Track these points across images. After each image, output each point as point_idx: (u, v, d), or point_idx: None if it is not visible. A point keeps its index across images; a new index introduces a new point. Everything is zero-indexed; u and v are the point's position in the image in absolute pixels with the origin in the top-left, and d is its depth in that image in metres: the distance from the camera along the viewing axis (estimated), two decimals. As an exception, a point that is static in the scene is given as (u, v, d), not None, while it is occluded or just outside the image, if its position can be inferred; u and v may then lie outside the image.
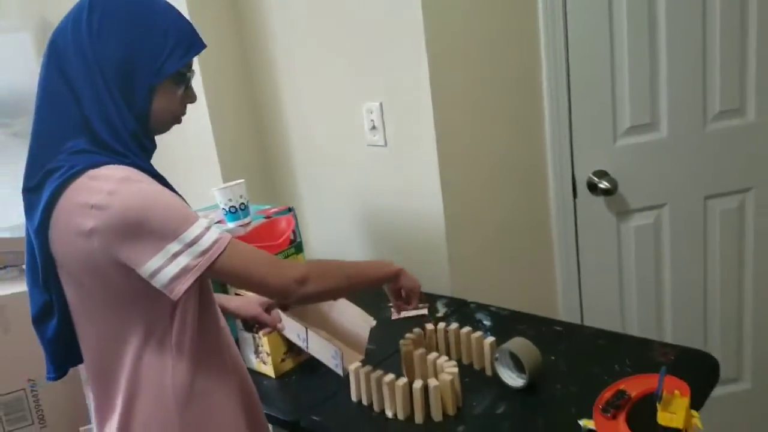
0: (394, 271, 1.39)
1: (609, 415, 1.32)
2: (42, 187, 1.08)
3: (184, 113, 1.21)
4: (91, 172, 1.05)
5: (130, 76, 1.09)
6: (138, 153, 1.11)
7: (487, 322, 1.84)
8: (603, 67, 1.97)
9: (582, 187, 2.05)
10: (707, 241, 2.16)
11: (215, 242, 1.07)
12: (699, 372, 1.50)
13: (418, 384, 1.43)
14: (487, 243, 2.03)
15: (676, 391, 1.27)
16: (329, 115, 2.17)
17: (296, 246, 1.74)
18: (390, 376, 1.46)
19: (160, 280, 1.05)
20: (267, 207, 1.92)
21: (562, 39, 1.92)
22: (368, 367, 1.51)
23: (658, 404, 1.23)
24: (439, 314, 1.93)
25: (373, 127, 2.03)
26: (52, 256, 1.12)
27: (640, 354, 1.57)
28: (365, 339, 1.58)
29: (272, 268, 1.15)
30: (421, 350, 1.56)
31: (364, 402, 1.53)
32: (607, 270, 2.13)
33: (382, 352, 1.72)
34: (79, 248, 1.06)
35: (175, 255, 1.04)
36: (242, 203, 1.76)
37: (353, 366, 1.53)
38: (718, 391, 2.31)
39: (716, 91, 2.04)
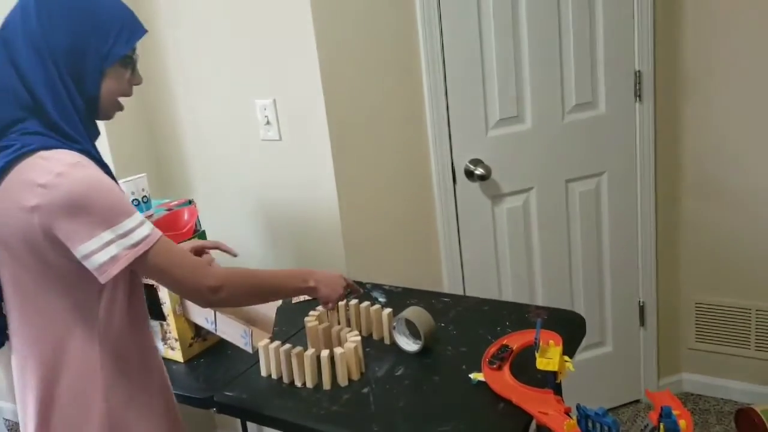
0: (310, 288, 1.50)
1: (495, 366, 1.50)
2: None
3: (130, 94, 1.27)
4: (44, 153, 1.11)
5: (80, 62, 1.16)
6: (87, 139, 1.18)
7: (382, 299, 1.99)
8: (474, 67, 2.19)
9: (460, 175, 2.25)
10: (569, 219, 2.43)
11: (145, 237, 1.14)
12: (569, 327, 1.72)
13: (325, 353, 1.56)
14: (379, 228, 2.19)
15: (551, 341, 1.47)
16: (223, 111, 2.24)
17: (200, 235, 1.82)
18: (298, 348, 1.58)
19: (91, 263, 1.12)
20: (167, 200, 1.98)
21: (438, 42, 2.12)
22: (276, 343, 1.62)
23: (536, 352, 1.43)
24: (337, 296, 2.06)
25: (267, 123, 2.14)
26: None
27: (519, 316, 1.78)
28: (272, 318, 1.67)
29: (191, 272, 1.22)
30: (324, 324, 1.69)
31: (274, 376, 1.63)
32: (484, 248, 2.35)
33: (288, 331, 1.83)
34: (19, 222, 1.11)
35: (108, 243, 1.10)
36: (144, 196, 1.82)
37: (262, 342, 1.63)
38: (585, 354, 2.61)
39: (572, 87, 2.31)
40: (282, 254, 2.32)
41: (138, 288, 1.31)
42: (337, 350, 1.57)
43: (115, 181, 1.20)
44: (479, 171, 2.22)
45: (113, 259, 1.11)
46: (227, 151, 2.29)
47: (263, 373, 1.65)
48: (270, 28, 2.05)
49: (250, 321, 1.69)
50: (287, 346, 1.61)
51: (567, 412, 1.36)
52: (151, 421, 1.31)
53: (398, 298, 1.98)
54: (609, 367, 2.64)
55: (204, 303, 1.31)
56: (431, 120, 2.16)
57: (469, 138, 2.23)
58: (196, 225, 1.86)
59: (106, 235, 1.10)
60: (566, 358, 1.45)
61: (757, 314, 2.54)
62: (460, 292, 2.34)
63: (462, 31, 2.15)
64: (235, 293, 1.31)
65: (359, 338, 1.60)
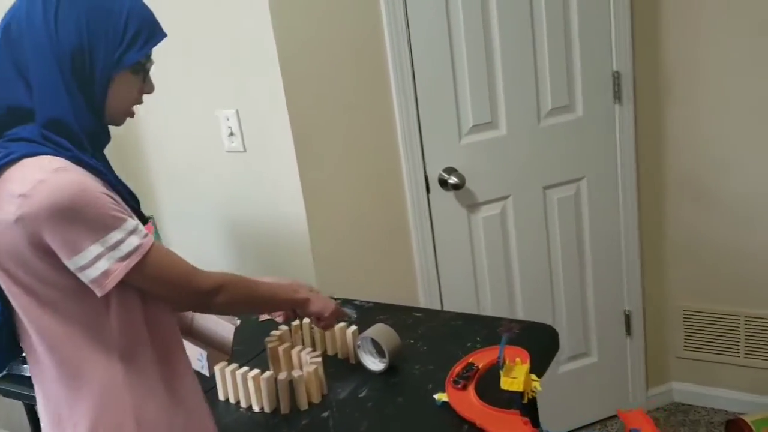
0: (301, 299, 1.43)
1: (460, 386, 1.43)
2: None
3: (140, 103, 1.19)
4: (26, 161, 1.02)
5: (88, 66, 1.06)
6: (85, 147, 1.08)
7: (354, 316, 1.91)
8: (445, 72, 2.12)
9: (434, 184, 2.18)
10: (548, 227, 2.36)
11: (136, 248, 1.05)
12: (541, 341, 1.64)
13: (282, 376, 1.49)
14: (349, 241, 2.11)
15: (517, 359, 1.39)
16: (187, 122, 2.18)
17: (157, 253, 1.75)
18: (255, 372, 1.51)
19: (85, 277, 1.04)
20: (125, 218, 1.90)
21: (406, 48, 2.04)
22: (234, 365, 1.55)
23: (501, 371, 1.35)
24: (305, 312, 1.98)
25: (231, 134, 2.07)
26: None
27: (490, 330, 1.70)
28: (230, 340, 1.60)
29: (188, 276, 1.15)
30: (285, 345, 1.61)
31: (232, 400, 1.56)
32: (461, 259, 2.27)
33: (252, 351, 1.76)
34: (6, 239, 1.03)
35: (97, 257, 1.02)
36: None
37: (219, 366, 1.55)
38: (569, 365, 2.53)
39: (547, 90, 2.24)
40: (251, 271, 2.24)
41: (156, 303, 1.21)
42: (296, 372, 1.49)
43: (123, 189, 1.13)
44: (453, 180, 2.15)
45: (105, 274, 1.03)
46: (193, 164, 2.22)
47: (221, 397, 1.58)
48: (230, 35, 1.98)
49: (209, 343, 1.62)
50: (244, 369, 1.53)
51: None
52: None
53: (369, 313, 1.91)
54: (595, 377, 2.56)
55: (203, 307, 1.24)
56: (401, 128, 2.09)
57: (442, 146, 2.16)
58: (154, 242, 1.79)
59: (95, 249, 1.02)
60: (533, 376, 1.37)
61: (746, 321, 2.46)
62: (437, 306, 2.26)
63: (430, 36, 2.08)
64: (233, 297, 1.22)
65: (320, 359, 1.53)
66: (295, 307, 1.46)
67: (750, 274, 2.41)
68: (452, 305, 2.27)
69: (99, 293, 1.04)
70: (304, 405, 1.49)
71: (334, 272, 2.10)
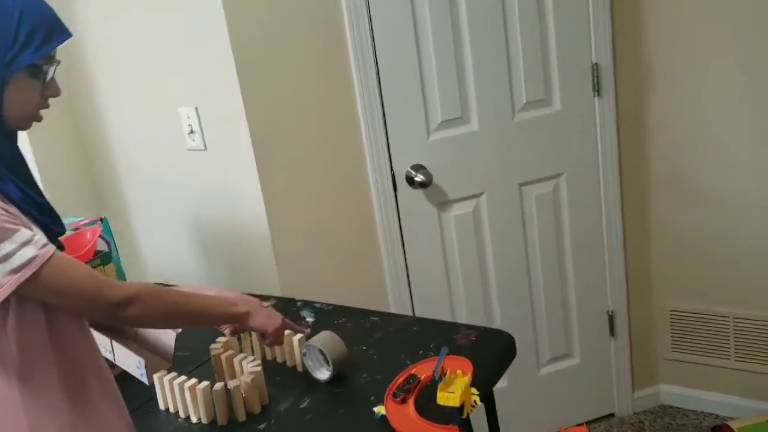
0: (241, 313, 1.37)
1: (399, 399, 1.36)
2: None
3: (45, 107, 1.11)
4: None
5: None
6: None
7: (310, 319, 1.86)
8: (411, 66, 2.03)
9: (401, 181, 2.10)
10: (526, 225, 2.27)
11: (30, 260, 1.00)
12: (497, 349, 1.57)
13: (218, 386, 1.43)
14: (313, 241, 2.05)
15: (459, 371, 1.32)
16: (149, 121, 2.13)
17: (102, 257, 1.70)
18: (192, 381, 1.46)
19: None
20: (80, 219, 1.86)
21: (369, 41, 1.96)
22: (172, 374, 1.50)
23: (439, 384, 1.28)
24: (265, 315, 1.93)
25: (192, 132, 2.01)
26: None
27: (446, 338, 1.64)
28: (171, 347, 1.55)
29: (93, 288, 1.08)
30: (229, 353, 1.56)
31: (171, 409, 1.51)
32: (433, 259, 2.20)
33: (201, 357, 1.71)
34: None
35: None
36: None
37: (157, 375, 1.51)
38: (551, 367, 2.46)
39: (521, 83, 2.15)
40: (217, 272, 2.19)
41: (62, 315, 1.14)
42: (232, 383, 1.44)
43: (26, 200, 1.07)
44: (420, 177, 2.07)
45: None
46: (156, 164, 2.17)
47: (161, 406, 1.53)
48: (187, 30, 1.92)
49: (152, 350, 1.57)
50: (182, 378, 1.48)
51: (472, 453, 1.22)
52: None
53: (328, 317, 1.85)
54: (578, 379, 2.48)
55: (115, 320, 1.18)
56: (365, 125, 2.01)
57: (409, 142, 2.08)
58: (106, 245, 1.74)
59: None
60: (473, 390, 1.30)
61: (735, 322, 2.36)
62: (408, 308, 2.19)
63: (394, 27, 1.99)
64: (148, 311, 1.16)
65: (259, 369, 1.47)
66: (232, 322, 1.41)
67: (739, 273, 2.31)
68: (424, 308, 2.20)
69: None
70: (242, 416, 1.44)
71: (297, 274, 2.04)
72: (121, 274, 1.94)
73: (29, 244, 1.01)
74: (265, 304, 1.51)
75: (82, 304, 1.09)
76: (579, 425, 1.29)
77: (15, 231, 1.00)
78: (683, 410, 2.53)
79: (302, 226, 2.03)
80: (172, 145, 2.08)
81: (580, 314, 2.42)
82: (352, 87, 1.99)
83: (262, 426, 1.41)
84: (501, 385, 2.37)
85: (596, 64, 2.19)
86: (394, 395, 1.37)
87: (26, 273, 0.99)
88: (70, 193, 2.29)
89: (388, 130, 2.05)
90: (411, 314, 2.20)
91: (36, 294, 1.03)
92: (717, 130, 2.22)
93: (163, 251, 2.30)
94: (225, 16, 1.81)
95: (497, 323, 2.31)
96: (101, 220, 1.82)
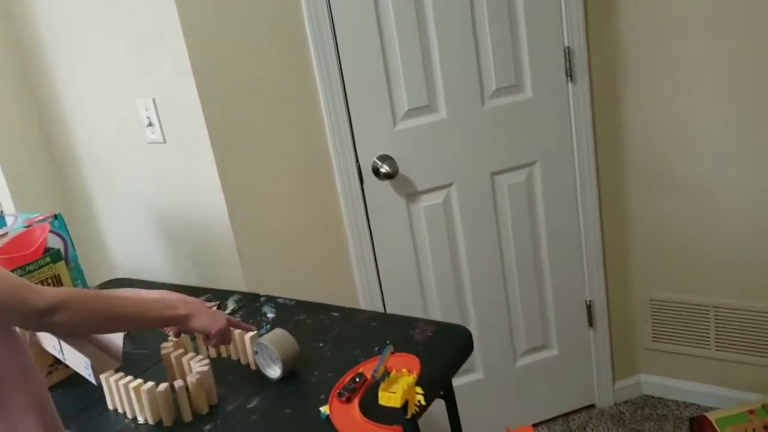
0: (180, 316, 1.33)
1: (344, 398, 1.32)
2: None
3: None
4: None
5: None
6: None
7: (271, 315, 1.82)
8: (374, 54, 1.98)
9: (368, 173, 2.06)
10: (498, 215, 2.22)
11: None
12: (453, 343, 1.53)
13: (162, 386, 1.40)
14: (278, 237, 2.01)
15: (404, 369, 1.28)
16: (108, 114, 2.09)
17: (53, 255, 1.66)
18: (137, 382, 1.42)
19: None
20: (35, 215, 1.82)
21: (329, 26, 1.91)
22: (119, 375, 1.47)
23: (381, 384, 1.24)
24: (227, 311, 1.90)
25: (150, 124, 1.97)
26: None
27: (403, 333, 1.60)
28: (120, 345, 1.52)
29: (13, 294, 1.04)
30: (179, 352, 1.52)
31: (119, 410, 1.48)
32: (402, 252, 2.15)
33: (155, 357, 1.68)
34: None
35: None
36: (-5, 214, 1.67)
37: (104, 375, 1.47)
38: (528, 358, 2.43)
39: (491, 69, 2.09)
40: (184, 268, 2.16)
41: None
42: (177, 383, 1.40)
43: None
44: (385, 169, 2.02)
45: None
46: (118, 157, 2.13)
47: (110, 406, 1.50)
48: (138, 19, 1.87)
49: (101, 349, 1.54)
50: (128, 378, 1.45)
51: (415, 454, 1.18)
52: None
53: (289, 312, 1.82)
54: (556, 371, 2.43)
55: (42, 327, 1.14)
56: (328, 116, 1.97)
57: (375, 132, 2.03)
58: (63, 243, 1.71)
59: None
60: (418, 389, 1.26)
61: (716, 312, 2.31)
62: (378, 303, 2.15)
63: (355, 12, 1.94)
64: (75, 317, 1.12)
65: (206, 368, 1.43)
66: (172, 325, 1.37)
67: (720, 262, 2.26)
68: (395, 303, 2.17)
69: None
70: (188, 416, 1.41)
71: (262, 271, 2.00)
72: (78, 272, 1.90)
73: None
74: (209, 304, 1.48)
75: (4, 312, 1.04)
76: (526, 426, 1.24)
77: None
78: (664, 400, 2.49)
79: (266, 220, 1.99)
80: (132, 138, 2.04)
81: (557, 305, 2.37)
82: (313, 77, 1.94)
83: (207, 427, 1.38)
84: (476, 377, 2.35)
85: (568, 48, 2.13)
86: (339, 395, 1.34)
87: None
88: (34, 189, 2.26)
89: (353, 121, 2.00)
90: (382, 310, 2.16)
91: None
92: (696, 117, 2.16)
93: (130, 247, 2.27)
94: (176, 5, 1.76)
95: (471, 316, 2.28)
96: (55, 216, 1.79)
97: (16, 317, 1.07)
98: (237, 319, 1.48)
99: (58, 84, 2.17)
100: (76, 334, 1.36)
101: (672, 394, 2.49)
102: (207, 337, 1.40)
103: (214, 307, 1.50)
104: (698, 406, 2.42)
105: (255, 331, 1.53)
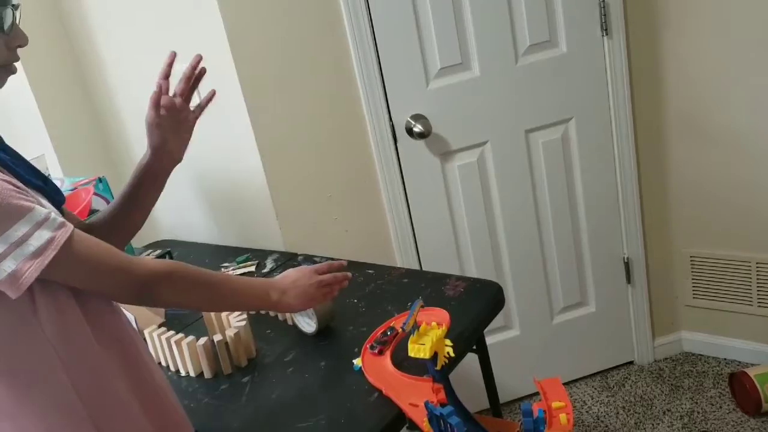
0: (274, 302, 1.25)
1: (376, 351, 1.36)
2: None
3: (15, 59, 1.01)
4: None
5: None
6: None
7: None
8: (405, 12, 1.97)
9: (401, 132, 2.06)
10: (533, 173, 2.21)
11: (49, 241, 0.90)
12: (485, 298, 1.55)
13: (202, 340, 1.46)
14: (313, 196, 2.05)
15: (434, 322, 1.31)
16: (148, 80, 2.13)
17: (97, 216, 1.73)
18: (179, 336, 1.49)
19: None
20: (80, 179, 1.90)
21: (360, -14, 1.91)
22: (162, 329, 1.53)
23: (411, 337, 1.28)
24: (266, 270, 1.95)
25: (187, 90, 2.01)
26: None
27: (435, 289, 1.62)
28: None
29: (123, 267, 0.99)
30: (218, 307, 1.58)
31: (163, 363, 1.55)
32: (437, 211, 2.17)
33: (196, 313, 1.74)
34: None
35: (1, 257, 0.87)
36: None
37: (148, 329, 1.54)
38: (565, 315, 2.43)
39: (524, 25, 2.06)
40: (225, 228, 2.22)
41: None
42: (216, 337, 1.46)
43: (25, 171, 0.98)
44: (418, 128, 2.03)
45: (14, 276, 0.88)
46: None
47: (154, 360, 1.57)
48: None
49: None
50: (170, 332, 1.51)
51: (443, 403, 1.21)
52: None
53: (324, 270, 1.86)
54: (594, 328, 2.44)
55: (138, 300, 1.05)
56: (361, 75, 1.98)
57: (407, 92, 2.04)
58: (100, 204, 1.78)
59: None
60: (447, 342, 1.29)
61: (758, 267, 2.27)
62: (414, 262, 2.18)
63: (388, -26, 1.93)
64: (177, 291, 1.08)
65: (244, 323, 1.49)
66: (265, 309, 1.31)
67: (761, 216, 2.21)
68: (430, 260, 2.19)
69: (13, 295, 0.89)
70: (227, 369, 1.47)
71: (300, 230, 2.04)
72: (123, 233, 1.97)
73: (44, 223, 0.91)
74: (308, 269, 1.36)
75: (107, 285, 0.99)
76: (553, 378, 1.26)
77: (30, 209, 0.90)
78: (705, 357, 2.47)
79: (302, 182, 2.02)
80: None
81: (594, 262, 2.36)
82: (345, 36, 1.95)
83: (245, 379, 1.44)
84: (513, 334, 2.37)
85: (604, 1, 2.09)
86: (371, 347, 1.38)
87: (47, 257, 0.90)
88: (80, 154, 2.34)
89: (385, 80, 2.01)
90: (418, 268, 2.19)
91: (58, 277, 0.94)
92: (736, 68, 2.10)
93: (172, 209, 2.33)
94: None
95: (506, 273, 2.29)
96: (99, 180, 1.85)
97: (120, 289, 1.01)
98: (324, 266, 1.37)
99: (102, 51, 2.22)
100: (175, 307, 1.29)
101: (712, 351, 2.47)
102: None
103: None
104: (739, 362, 2.40)
105: (344, 263, 1.43)
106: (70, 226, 0.94)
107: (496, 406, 1.69)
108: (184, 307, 1.36)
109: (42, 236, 0.90)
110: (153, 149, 1.26)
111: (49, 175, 1.77)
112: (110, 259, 0.99)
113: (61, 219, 0.94)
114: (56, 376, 0.96)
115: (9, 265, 0.87)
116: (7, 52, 0.99)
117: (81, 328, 0.98)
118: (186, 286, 1.10)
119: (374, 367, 1.34)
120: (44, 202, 0.98)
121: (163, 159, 1.27)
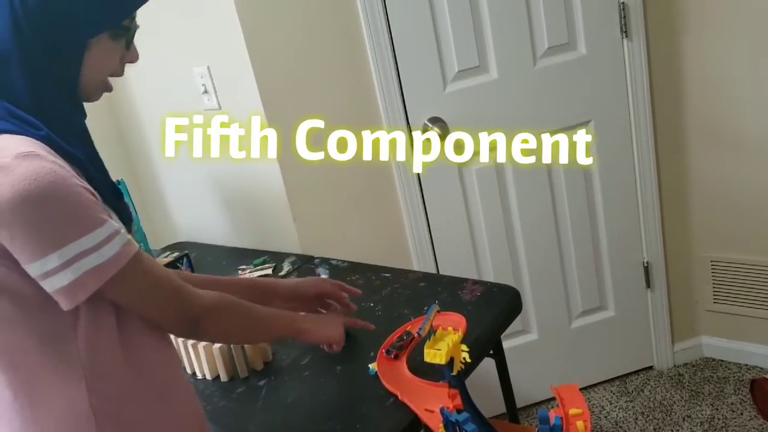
0: (299, 330, 1.26)
1: (392, 356, 1.36)
2: None
3: (120, 74, 1.01)
4: None
5: (58, 27, 0.90)
6: (57, 125, 0.92)
7: (324, 276, 1.87)
8: (423, 14, 1.96)
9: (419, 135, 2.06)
10: (552, 177, 2.20)
11: (115, 256, 0.89)
12: (501, 303, 1.54)
13: (218, 344, 1.46)
14: (330, 199, 2.05)
15: (450, 327, 1.30)
16: (167, 84, 2.15)
17: (116, 219, 1.75)
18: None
19: (48, 286, 0.87)
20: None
21: (378, -11, 1.91)
22: (179, 332, 1.54)
23: (427, 342, 1.27)
24: (282, 273, 1.95)
25: (205, 91, 2.02)
26: None
27: (451, 293, 1.62)
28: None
29: (174, 295, 0.98)
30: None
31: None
32: (455, 214, 2.16)
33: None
34: None
35: (65, 264, 0.85)
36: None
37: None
38: (584, 320, 2.41)
39: (543, 27, 2.05)
40: (242, 231, 2.23)
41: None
42: (233, 340, 1.46)
43: (104, 182, 0.97)
44: (435, 131, 2.02)
45: (74, 285, 0.86)
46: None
47: (171, 362, 1.58)
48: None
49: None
50: (188, 335, 1.52)
51: (458, 409, 1.20)
52: None
53: (341, 273, 1.86)
54: (613, 332, 2.41)
55: (189, 331, 1.03)
56: (378, 78, 1.97)
57: (425, 95, 2.03)
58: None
59: (66, 253, 0.85)
60: (464, 347, 1.28)
61: (780, 272, 2.24)
62: (431, 266, 2.17)
63: (406, -24, 1.93)
64: (226, 324, 1.07)
65: (260, 326, 1.49)
66: (292, 337, 1.28)
67: (784, 221, 2.18)
68: (448, 264, 2.18)
69: (65, 306, 0.88)
70: (243, 373, 1.47)
71: (317, 233, 2.05)
72: (141, 235, 1.99)
73: (115, 238, 0.89)
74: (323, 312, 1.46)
75: (159, 310, 0.98)
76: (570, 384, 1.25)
77: (103, 222, 0.88)
78: (725, 362, 2.44)
79: (318, 184, 2.02)
80: (191, 106, 2.10)
81: (613, 266, 2.34)
82: (362, 39, 1.95)
83: (261, 382, 1.44)
84: (531, 338, 2.36)
85: (623, 3, 2.07)
86: (387, 352, 1.37)
87: (110, 272, 0.88)
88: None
89: (403, 84, 2.00)
90: (435, 271, 2.18)
91: (113, 294, 0.92)
92: (757, 72, 2.07)
93: (190, 210, 2.35)
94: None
95: (524, 277, 2.27)
96: (117, 182, 1.87)
97: (169, 316, 0.99)
98: (352, 319, 1.42)
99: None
100: (217, 341, 1.37)
101: (733, 357, 2.44)
102: (330, 346, 1.36)
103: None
104: (760, 368, 2.37)
105: (372, 327, 1.45)
106: (135, 245, 0.93)
107: (512, 411, 1.68)
108: (227, 341, 1.38)
109: (110, 250, 0.88)
110: (290, 291, 1.39)
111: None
112: (168, 284, 0.98)
113: (129, 236, 0.93)
114: (76, 395, 0.92)
115: (71, 275, 0.86)
116: (119, 67, 1.01)
117: (113, 350, 0.95)
118: (233, 318, 1.10)
119: (390, 371, 1.34)
120: (113, 216, 0.97)
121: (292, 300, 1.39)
